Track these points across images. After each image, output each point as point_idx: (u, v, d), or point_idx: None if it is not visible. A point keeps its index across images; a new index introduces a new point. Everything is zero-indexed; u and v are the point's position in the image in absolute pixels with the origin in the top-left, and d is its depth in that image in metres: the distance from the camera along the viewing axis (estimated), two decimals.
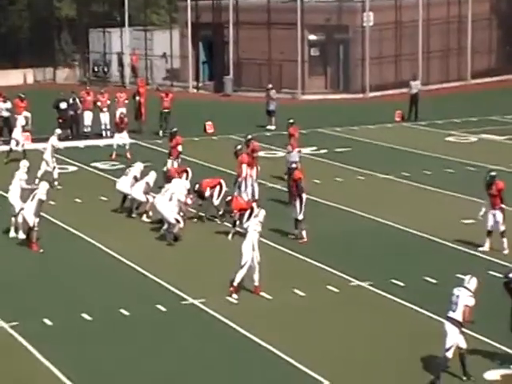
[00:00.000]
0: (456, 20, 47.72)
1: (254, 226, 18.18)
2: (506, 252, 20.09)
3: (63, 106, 33.99)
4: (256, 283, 17.97)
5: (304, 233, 21.38)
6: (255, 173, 24.60)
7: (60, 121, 33.55)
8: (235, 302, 17.70)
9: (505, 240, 20.14)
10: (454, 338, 14.13)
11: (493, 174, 20.68)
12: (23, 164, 23.07)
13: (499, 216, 20.18)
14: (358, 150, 31.87)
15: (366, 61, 44.68)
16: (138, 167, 23.86)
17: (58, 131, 28.59)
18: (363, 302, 17.85)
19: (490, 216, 20.24)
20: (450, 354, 14.11)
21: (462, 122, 36.79)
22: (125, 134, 30.97)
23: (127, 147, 30.58)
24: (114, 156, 30.53)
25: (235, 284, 17.87)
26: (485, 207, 20.36)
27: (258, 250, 17.89)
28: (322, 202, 24.94)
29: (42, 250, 20.74)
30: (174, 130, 27.02)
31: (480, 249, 20.38)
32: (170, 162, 26.01)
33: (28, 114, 33.16)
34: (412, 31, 45.81)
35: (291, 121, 29.03)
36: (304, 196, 21.48)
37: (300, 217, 21.37)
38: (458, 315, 14.21)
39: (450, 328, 14.19)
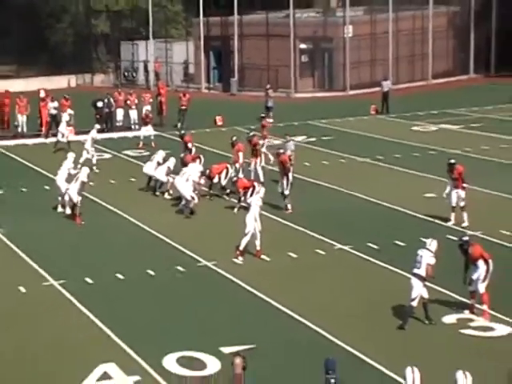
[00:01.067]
0: (419, 31, 47.40)
1: (255, 200, 18.15)
2: (465, 224, 19.94)
3: (100, 104, 33.83)
4: (258, 248, 17.94)
5: (289, 205, 21.30)
6: (259, 160, 24.47)
7: (97, 117, 33.38)
8: (241, 263, 17.67)
9: (465, 213, 20.01)
10: (419, 290, 14.14)
11: (452, 161, 20.42)
12: (70, 155, 22.93)
13: (462, 194, 20.04)
14: (340, 138, 31.73)
15: (347, 65, 44.44)
16: (160, 154, 23.74)
17: (97, 126, 28.61)
18: (345, 262, 17.81)
19: (454, 194, 20.06)
20: (414, 303, 14.14)
21: (425, 114, 36.58)
22: (150, 127, 30.88)
23: (152, 138, 30.49)
24: (141, 145, 30.41)
25: (241, 249, 17.83)
26: (449, 187, 20.21)
27: (259, 220, 17.86)
28: (310, 181, 24.86)
29: (83, 222, 20.71)
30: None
31: (449, 223, 20.13)
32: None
33: (71, 112, 33.02)
34: (384, 41, 45.54)
35: (262, 115, 29.16)
36: (290, 175, 21.41)
37: (286, 192, 21.31)
38: (422, 271, 14.22)
39: (415, 282, 14.20)
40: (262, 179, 23.86)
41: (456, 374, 9.60)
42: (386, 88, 37.67)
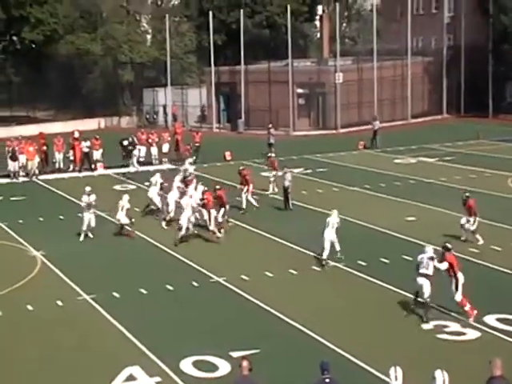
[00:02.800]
0: (400, 78, 47.67)
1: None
2: (480, 243, 19.71)
3: (125, 143, 33.99)
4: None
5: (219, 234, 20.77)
6: (247, 189, 24.27)
7: (123, 154, 33.57)
8: (247, 279, 17.68)
9: (477, 235, 19.86)
10: (428, 287, 14.38)
11: (467, 195, 20.50)
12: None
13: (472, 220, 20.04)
14: (333, 170, 31.79)
15: (338, 107, 44.62)
16: (157, 176, 23.51)
17: (189, 160, 28.01)
18: (338, 277, 17.81)
19: (466, 221, 20.05)
20: (428, 298, 14.45)
21: (405, 149, 36.66)
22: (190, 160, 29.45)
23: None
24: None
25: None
26: (464, 217, 20.13)
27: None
28: (307, 207, 24.90)
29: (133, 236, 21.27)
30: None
31: (479, 243, 19.72)
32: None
33: (101, 150, 33.20)
34: (369, 86, 45.79)
35: (269, 154, 29.75)
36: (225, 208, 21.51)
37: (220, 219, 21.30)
38: (429, 271, 14.51)
39: (424, 281, 14.46)
40: (243, 206, 23.79)
41: (435, 372, 9.59)
42: (376, 126, 37.90)
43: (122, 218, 21.41)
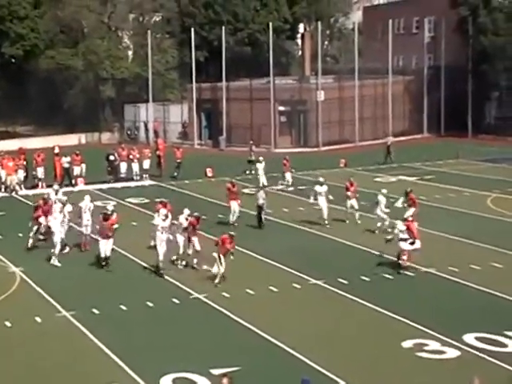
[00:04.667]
0: (381, 96, 48.20)
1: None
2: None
3: (112, 158, 33.97)
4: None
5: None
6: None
7: (109, 169, 33.55)
8: (228, 296, 17.71)
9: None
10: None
11: (410, 189, 24.57)
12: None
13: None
14: (313, 188, 31.93)
15: (319, 124, 44.97)
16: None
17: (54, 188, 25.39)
18: (319, 295, 17.88)
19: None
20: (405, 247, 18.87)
21: (386, 167, 37.00)
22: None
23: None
24: None
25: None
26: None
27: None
28: (288, 225, 25.00)
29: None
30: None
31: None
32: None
33: (83, 165, 33.21)
34: (350, 104, 46.22)
35: (286, 157, 32.37)
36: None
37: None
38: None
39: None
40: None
41: None
42: (389, 142, 38.86)
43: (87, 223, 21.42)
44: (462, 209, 26.72)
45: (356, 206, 24.94)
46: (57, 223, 20.70)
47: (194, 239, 19.76)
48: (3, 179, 31.80)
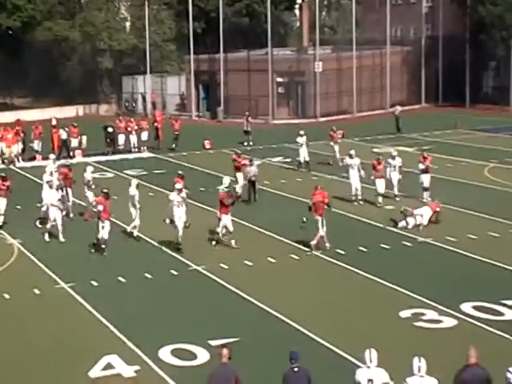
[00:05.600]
0: (378, 67, 47.81)
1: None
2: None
3: (110, 130, 33.72)
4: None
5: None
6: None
7: (108, 141, 33.35)
8: (226, 267, 17.64)
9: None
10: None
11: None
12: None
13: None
14: (312, 159, 31.72)
15: (317, 96, 44.66)
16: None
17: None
18: (317, 266, 17.81)
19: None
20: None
21: (384, 138, 36.81)
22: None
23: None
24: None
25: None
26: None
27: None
28: (286, 196, 24.88)
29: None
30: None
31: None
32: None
33: (84, 137, 32.97)
34: (348, 75, 45.85)
35: (333, 128, 30.52)
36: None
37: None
38: None
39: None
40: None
41: (412, 359, 9.60)
42: (396, 112, 38.55)
43: (89, 195, 21.20)
44: (459, 179, 26.59)
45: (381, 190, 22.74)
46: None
47: (226, 218, 18.81)
48: (3, 151, 31.59)
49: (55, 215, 19.74)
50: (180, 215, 18.67)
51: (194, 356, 12.91)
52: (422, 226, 20.07)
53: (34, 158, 32.31)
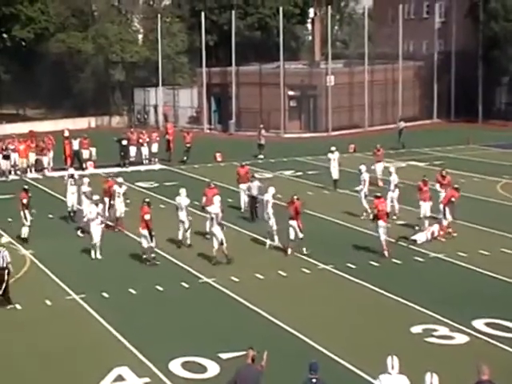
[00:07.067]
0: (391, 82, 47.89)
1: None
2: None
3: (124, 142, 33.91)
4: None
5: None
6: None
7: (122, 154, 33.50)
8: (237, 280, 17.67)
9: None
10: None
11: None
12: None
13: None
14: (324, 173, 31.75)
15: (329, 109, 44.75)
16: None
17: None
18: (328, 280, 17.83)
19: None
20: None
21: (395, 152, 36.81)
22: None
23: None
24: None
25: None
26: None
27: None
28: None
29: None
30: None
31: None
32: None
33: (93, 149, 33.22)
34: (360, 89, 45.93)
35: (378, 146, 29.51)
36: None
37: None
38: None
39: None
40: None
41: (425, 375, 9.58)
42: (400, 126, 38.82)
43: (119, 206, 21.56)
44: (471, 194, 26.52)
45: (427, 213, 21.45)
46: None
47: (293, 223, 19.19)
48: (16, 162, 31.88)
49: (94, 231, 19.37)
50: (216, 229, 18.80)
51: (204, 369, 12.94)
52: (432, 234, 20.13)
53: (42, 169, 32.52)
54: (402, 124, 39.16)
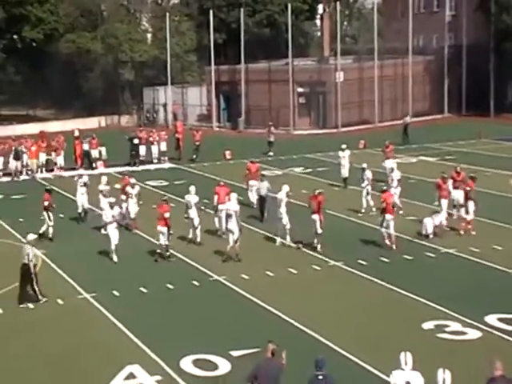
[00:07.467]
0: (401, 76, 47.73)
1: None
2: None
3: (136, 141, 33.97)
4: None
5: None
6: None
7: (133, 153, 33.57)
8: (247, 278, 17.68)
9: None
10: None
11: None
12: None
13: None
14: (333, 169, 31.70)
15: (338, 106, 44.62)
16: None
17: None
18: (338, 276, 17.81)
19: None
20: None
21: (406, 148, 36.68)
22: None
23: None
24: None
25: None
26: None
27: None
28: (307, 207, 24.81)
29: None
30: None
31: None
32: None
33: (103, 148, 33.33)
34: (370, 85, 45.81)
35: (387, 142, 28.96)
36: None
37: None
38: None
39: None
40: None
41: (437, 372, 9.54)
42: (406, 122, 38.53)
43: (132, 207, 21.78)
44: (483, 189, 26.36)
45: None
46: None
47: (315, 217, 19.22)
48: (27, 162, 32.07)
49: (112, 234, 19.15)
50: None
51: (215, 366, 12.95)
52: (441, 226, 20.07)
53: (52, 170, 32.66)
54: (408, 119, 38.91)
